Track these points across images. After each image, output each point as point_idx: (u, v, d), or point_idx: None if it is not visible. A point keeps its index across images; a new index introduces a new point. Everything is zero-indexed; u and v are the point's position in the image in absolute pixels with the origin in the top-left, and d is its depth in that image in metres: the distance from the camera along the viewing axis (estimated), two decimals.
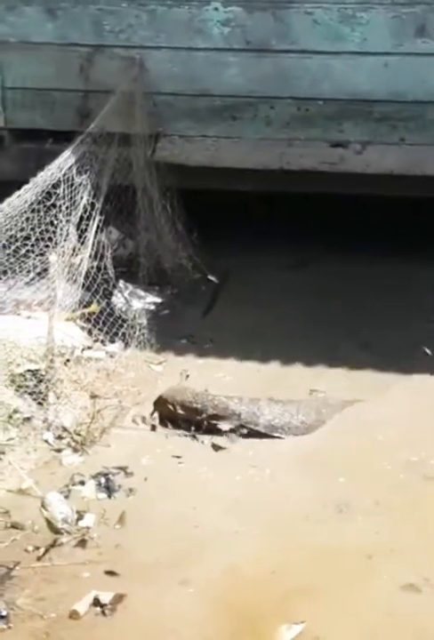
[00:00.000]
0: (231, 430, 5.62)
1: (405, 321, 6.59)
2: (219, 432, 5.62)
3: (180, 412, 5.71)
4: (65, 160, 6.16)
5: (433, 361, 6.23)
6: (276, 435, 5.62)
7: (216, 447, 5.56)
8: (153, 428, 5.74)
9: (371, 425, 5.68)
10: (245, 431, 5.63)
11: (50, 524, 5.00)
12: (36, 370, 5.86)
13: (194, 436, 5.63)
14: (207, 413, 5.66)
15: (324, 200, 7.06)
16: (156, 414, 5.78)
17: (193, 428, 5.65)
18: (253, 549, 4.83)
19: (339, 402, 5.85)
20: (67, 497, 5.17)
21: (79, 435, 5.61)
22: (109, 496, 5.23)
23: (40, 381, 5.80)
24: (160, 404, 5.82)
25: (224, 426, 5.63)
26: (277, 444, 5.60)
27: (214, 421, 5.64)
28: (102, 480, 5.31)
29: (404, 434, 5.58)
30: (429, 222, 7.15)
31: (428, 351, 6.34)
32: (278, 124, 7.09)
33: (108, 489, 5.26)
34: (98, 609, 4.54)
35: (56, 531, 4.97)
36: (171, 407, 5.75)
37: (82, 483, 5.31)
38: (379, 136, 6.99)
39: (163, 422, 5.75)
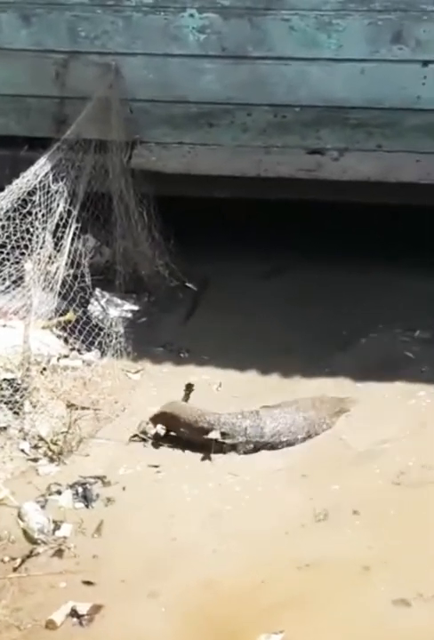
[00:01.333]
0: (234, 446, 5.55)
1: (385, 328, 6.59)
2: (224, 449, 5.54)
3: (183, 430, 5.61)
4: (41, 167, 6.13)
5: (417, 366, 6.22)
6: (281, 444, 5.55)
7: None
8: (156, 444, 5.65)
9: (356, 432, 5.65)
10: (250, 446, 5.56)
11: (26, 534, 4.97)
12: (12, 379, 5.82)
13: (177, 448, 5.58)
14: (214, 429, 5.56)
15: (301, 207, 7.05)
16: (157, 429, 5.67)
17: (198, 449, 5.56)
18: (235, 561, 4.79)
19: (326, 407, 5.82)
20: (43, 507, 5.14)
21: (56, 444, 5.57)
22: (87, 506, 5.19)
23: (16, 390, 5.76)
24: (161, 419, 5.69)
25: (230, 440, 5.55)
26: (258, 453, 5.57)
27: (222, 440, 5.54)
28: (79, 490, 5.27)
29: (390, 440, 5.56)
30: (407, 230, 7.15)
31: (410, 355, 6.33)
32: (255, 130, 7.07)
33: (86, 499, 5.23)
34: (75, 619, 4.50)
35: (33, 541, 4.93)
36: (174, 426, 5.64)
37: (59, 492, 5.27)
38: (356, 143, 6.99)
39: (165, 439, 5.66)
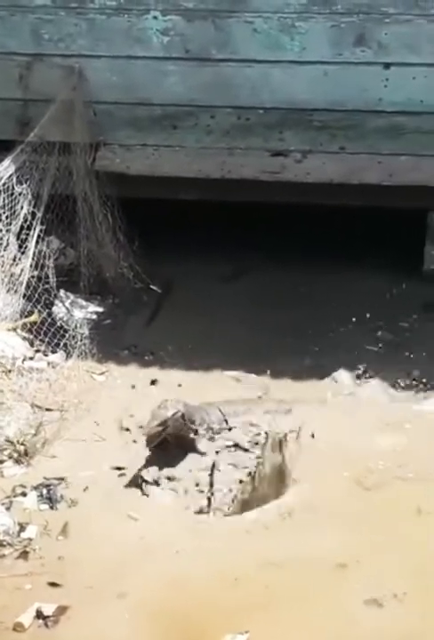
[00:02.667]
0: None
1: (349, 328, 6.64)
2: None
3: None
4: (5, 169, 6.13)
5: (380, 365, 6.26)
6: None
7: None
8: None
9: (320, 432, 5.65)
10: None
11: None
12: None
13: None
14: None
15: (265, 209, 7.08)
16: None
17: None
18: (202, 561, 4.79)
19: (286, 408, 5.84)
20: (8, 509, 5.13)
21: (22, 445, 5.56)
22: (52, 507, 5.19)
23: None
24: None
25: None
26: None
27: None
28: (44, 491, 5.26)
29: (352, 441, 5.58)
30: (369, 231, 7.21)
31: (374, 353, 6.37)
32: (219, 132, 7.10)
33: (51, 500, 5.22)
34: (40, 621, 4.50)
35: None
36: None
37: (23, 494, 5.26)
38: (319, 145, 7.03)
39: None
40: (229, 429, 5.50)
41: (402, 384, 6.12)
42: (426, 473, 5.28)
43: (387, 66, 6.83)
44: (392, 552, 4.77)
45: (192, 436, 5.40)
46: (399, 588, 4.55)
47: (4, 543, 4.90)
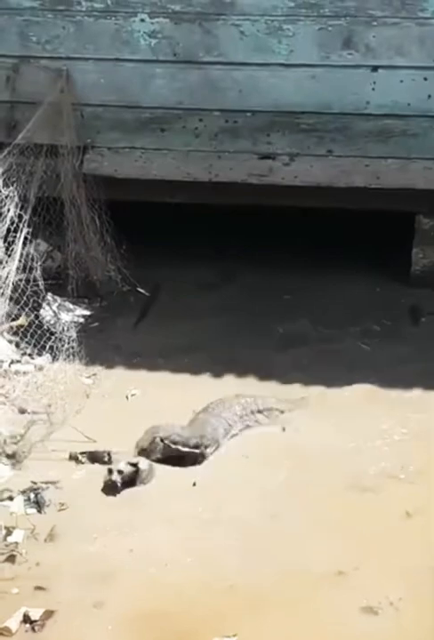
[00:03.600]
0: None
1: (336, 331, 6.64)
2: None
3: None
4: None
5: (366, 367, 6.27)
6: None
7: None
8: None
9: (310, 433, 5.68)
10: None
11: None
12: None
13: None
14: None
15: (251, 212, 7.08)
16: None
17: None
18: (191, 567, 4.77)
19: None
20: None
21: (10, 447, 5.54)
22: (39, 511, 5.16)
23: None
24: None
25: None
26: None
27: None
28: (31, 495, 5.24)
29: (345, 442, 5.60)
30: (357, 235, 7.22)
31: (362, 354, 6.38)
32: (207, 135, 7.11)
33: (38, 504, 5.20)
34: (27, 625, 4.48)
35: None
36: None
37: (10, 498, 5.24)
38: (306, 148, 7.04)
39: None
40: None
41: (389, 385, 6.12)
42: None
43: (374, 69, 6.84)
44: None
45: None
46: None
47: None
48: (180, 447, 5.48)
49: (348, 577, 4.67)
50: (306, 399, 5.99)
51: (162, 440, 5.47)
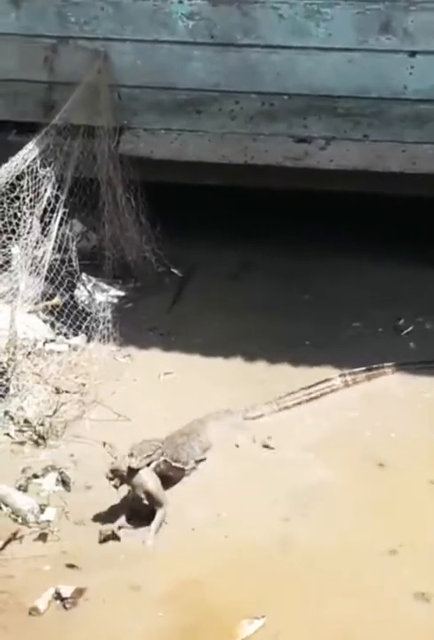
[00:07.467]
0: None
1: (367, 321, 6.64)
2: None
3: None
4: (29, 152, 6.14)
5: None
6: None
7: None
8: None
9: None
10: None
11: (12, 516, 4.98)
12: None
13: None
14: None
15: (287, 195, 7.08)
16: None
17: None
18: (224, 549, 4.81)
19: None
20: (25, 491, 5.16)
21: (42, 426, 5.59)
22: (69, 490, 5.21)
23: (1, 374, 5.77)
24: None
25: None
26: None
27: None
28: (62, 474, 5.29)
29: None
30: (388, 220, 7.20)
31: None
32: (243, 118, 7.09)
33: (66, 483, 5.23)
34: (58, 602, 4.53)
35: (23, 521, 4.94)
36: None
37: (42, 476, 5.29)
38: (343, 132, 7.02)
39: None
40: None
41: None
42: None
43: (412, 54, 6.80)
44: None
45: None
46: None
47: (31, 523, 4.93)
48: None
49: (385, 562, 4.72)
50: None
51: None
